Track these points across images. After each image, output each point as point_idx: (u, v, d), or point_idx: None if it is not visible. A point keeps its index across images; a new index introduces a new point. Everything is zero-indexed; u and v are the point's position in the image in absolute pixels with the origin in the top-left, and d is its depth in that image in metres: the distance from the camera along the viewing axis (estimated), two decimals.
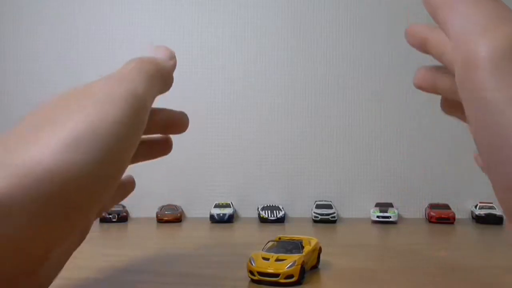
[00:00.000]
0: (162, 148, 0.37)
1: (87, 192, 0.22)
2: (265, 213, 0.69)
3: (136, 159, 0.34)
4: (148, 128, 0.30)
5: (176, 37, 0.80)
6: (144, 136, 0.31)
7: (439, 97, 0.27)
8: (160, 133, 0.36)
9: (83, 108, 0.23)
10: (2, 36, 0.82)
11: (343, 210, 0.76)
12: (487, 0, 0.19)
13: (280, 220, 0.68)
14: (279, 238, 0.40)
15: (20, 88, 0.81)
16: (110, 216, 0.68)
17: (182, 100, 0.78)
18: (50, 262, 0.25)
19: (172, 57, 0.34)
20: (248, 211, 0.76)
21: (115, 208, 0.69)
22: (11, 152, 0.21)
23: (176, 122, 0.36)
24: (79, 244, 0.30)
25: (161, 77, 0.31)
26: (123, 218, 0.69)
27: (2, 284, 0.21)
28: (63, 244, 0.24)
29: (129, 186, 0.37)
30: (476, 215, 0.68)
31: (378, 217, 0.67)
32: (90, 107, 0.23)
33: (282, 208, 0.71)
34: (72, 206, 0.21)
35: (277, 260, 0.34)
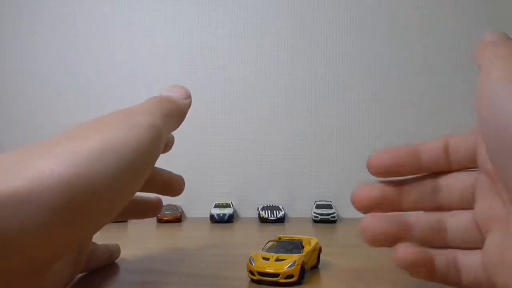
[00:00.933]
0: (153, 209, 0.40)
1: (95, 205, 0.22)
2: (265, 213, 0.69)
3: (127, 215, 0.37)
4: (148, 185, 0.32)
5: (176, 37, 0.80)
6: (139, 194, 0.33)
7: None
8: (157, 193, 0.38)
9: (100, 130, 0.24)
10: (2, 36, 0.82)
11: (343, 210, 0.76)
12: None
13: (280, 220, 0.68)
14: (279, 238, 0.40)
15: (20, 88, 0.81)
16: None
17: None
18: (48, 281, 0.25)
19: (188, 96, 0.37)
20: (248, 211, 0.76)
21: None
22: (26, 161, 0.21)
23: (174, 185, 0.38)
24: (71, 279, 0.31)
25: (177, 115, 0.33)
26: None
27: (10, 279, 0.21)
28: (65, 254, 0.24)
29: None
30: None
31: None
32: (112, 129, 0.25)
33: (282, 208, 0.71)
34: (77, 217, 0.22)
35: (277, 260, 0.34)
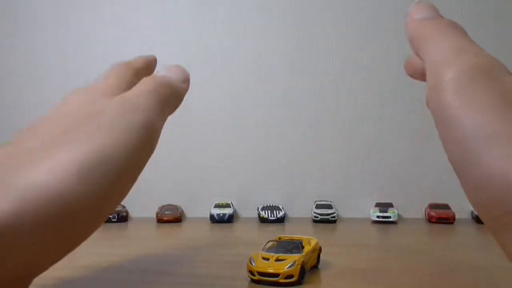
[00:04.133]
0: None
1: (89, 218, 0.22)
2: (265, 213, 0.69)
3: None
4: None
5: (176, 37, 0.80)
6: None
7: None
8: None
9: (93, 135, 0.23)
10: (2, 36, 0.82)
11: (343, 210, 0.76)
12: (453, 36, 0.24)
13: (280, 220, 0.68)
14: (279, 238, 0.40)
15: (20, 88, 0.81)
16: (110, 216, 0.68)
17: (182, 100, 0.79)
18: None
19: (186, 79, 0.34)
20: (248, 211, 0.76)
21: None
22: (17, 171, 0.20)
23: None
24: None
25: (173, 101, 0.31)
26: (123, 218, 0.70)
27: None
28: (49, 266, 0.23)
29: None
30: (476, 215, 0.68)
31: (378, 217, 0.67)
32: (102, 135, 0.23)
33: (282, 208, 0.71)
34: (72, 232, 0.21)
35: (277, 260, 0.34)
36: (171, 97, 0.30)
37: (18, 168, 0.20)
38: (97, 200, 0.21)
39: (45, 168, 0.20)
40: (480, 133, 0.19)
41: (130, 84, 0.30)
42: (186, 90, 0.34)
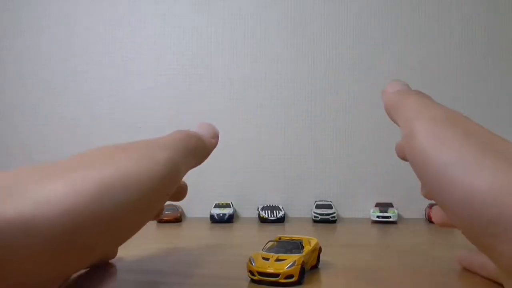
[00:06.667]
0: (182, 192, 0.41)
1: (101, 236, 0.22)
2: (265, 213, 0.69)
3: None
4: None
5: (176, 37, 0.80)
6: None
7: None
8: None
9: (120, 161, 0.24)
10: (2, 36, 0.82)
11: (343, 210, 0.76)
12: (419, 98, 0.30)
13: (280, 220, 0.68)
14: (279, 238, 0.40)
15: (20, 88, 0.81)
16: None
17: (182, 100, 0.79)
18: None
19: (215, 136, 0.37)
20: (248, 211, 0.76)
21: None
22: (34, 184, 0.20)
23: (180, 191, 0.39)
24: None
25: (200, 154, 0.34)
26: None
27: None
28: (59, 281, 0.23)
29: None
30: None
31: (378, 217, 0.67)
32: (129, 162, 0.24)
33: (282, 208, 0.71)
34: (83, 245, 0.21)
35: (277, 260, 0.34)
36: (198, 148, 0.33)
37: (42, 180, 0.21)
38: (114, 220, 0.22)
39: (66, 181, 0.21)
40: (452, 161, 0.22)
41: None
42: (215, 145, 0.37)
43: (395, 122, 0.32)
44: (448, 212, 0.23)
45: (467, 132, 0.24)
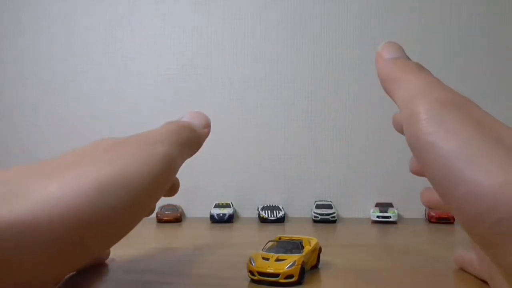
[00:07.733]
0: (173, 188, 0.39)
1: (97, 237, 0.22)
2: (265, 213, 0.69)
3: None
4: None
5: (176, 37, 0.80)
6: None
7: None
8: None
9: (117, 159, 0.24)
10: (2, 36, 0.82)
11: (343, 210, 0.76)
12: (423, 74, 0.27)
13: (280, 220, 0.68)
14: (279, 238, 0.40)
15: (20, 88, 0.81)
16: None
17: (182, 100, 0.79)
18: None
19: (207, 125, 0.36)
20: (248, 211, 0.76)
21: None
22: (33, 184, 0.21)
23: (174, 186, 0.37)
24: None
25: (194, 144, 0.33)
26: None
27: None
28: (59, 279, 0.24)
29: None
30: None
31: (378, 217, 0.67)
32: (125, 161, 0.24)
33: (282, 208, 0.71)
34: (77, 248, 0.21)
35: (277, 260, 0.34)
36: (191, 138, 0.32)
37: (40, 180, 0.21)
38: (113, 218, 0.22)
39: (64, 181, 0.21)
40: (459, 153, 0.20)
41: None
42: (207, 135, 0.36)
43: (390, 95, 0.29)
44: (450, 206, 0.22)
45: (477, 122, 0.22)
